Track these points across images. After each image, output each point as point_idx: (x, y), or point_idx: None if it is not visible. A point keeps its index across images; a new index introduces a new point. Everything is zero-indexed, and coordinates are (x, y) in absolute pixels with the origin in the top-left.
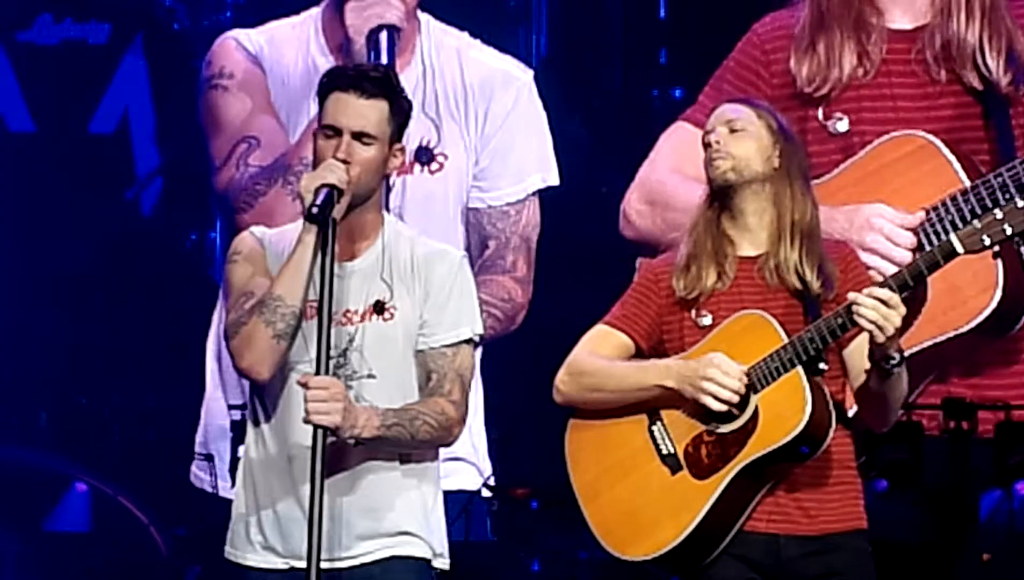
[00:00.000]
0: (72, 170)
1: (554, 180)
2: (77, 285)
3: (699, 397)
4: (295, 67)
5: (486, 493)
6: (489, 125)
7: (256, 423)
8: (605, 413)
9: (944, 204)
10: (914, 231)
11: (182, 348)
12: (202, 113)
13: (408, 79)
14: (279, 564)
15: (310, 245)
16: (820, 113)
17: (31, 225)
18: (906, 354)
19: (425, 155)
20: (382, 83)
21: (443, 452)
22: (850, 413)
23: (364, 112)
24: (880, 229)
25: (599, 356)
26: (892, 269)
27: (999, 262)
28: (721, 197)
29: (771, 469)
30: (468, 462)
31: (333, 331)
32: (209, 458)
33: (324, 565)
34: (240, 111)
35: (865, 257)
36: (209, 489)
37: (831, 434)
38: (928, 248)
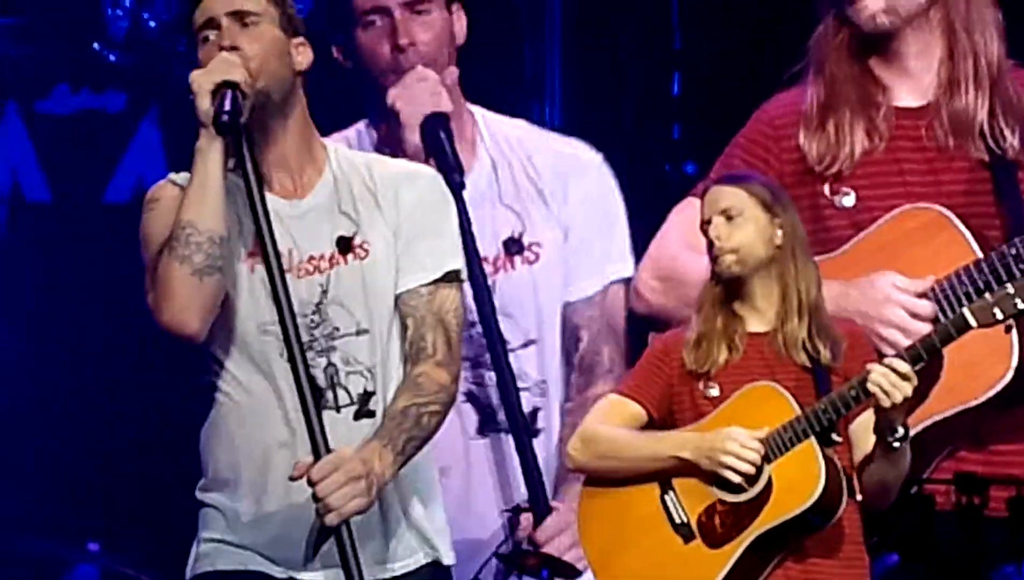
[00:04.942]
0: (87, 239)
1: (629, 271)
2: (94, 356)
3: (717, 469)
4: None
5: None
6: (571, 207)
7: (228, 398)
8: (616, 481)
9: (958, 275)
10: (925, 296)
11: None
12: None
13: (479, 174)
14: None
15: (214, 159)
16: (827, 188)
17: (47, 294)
18: (921, 427)
19: (515, 246)
20: None
21: None
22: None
23: None
24: (900, 303)
25: (612, 425)
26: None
27: (1013, 334)
28: (728, 285)
29: (783, 540)
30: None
31: (302, 283)
32: None
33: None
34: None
35: (884, 331)
36: None
37: (843, 505)
38: (942, 320)
